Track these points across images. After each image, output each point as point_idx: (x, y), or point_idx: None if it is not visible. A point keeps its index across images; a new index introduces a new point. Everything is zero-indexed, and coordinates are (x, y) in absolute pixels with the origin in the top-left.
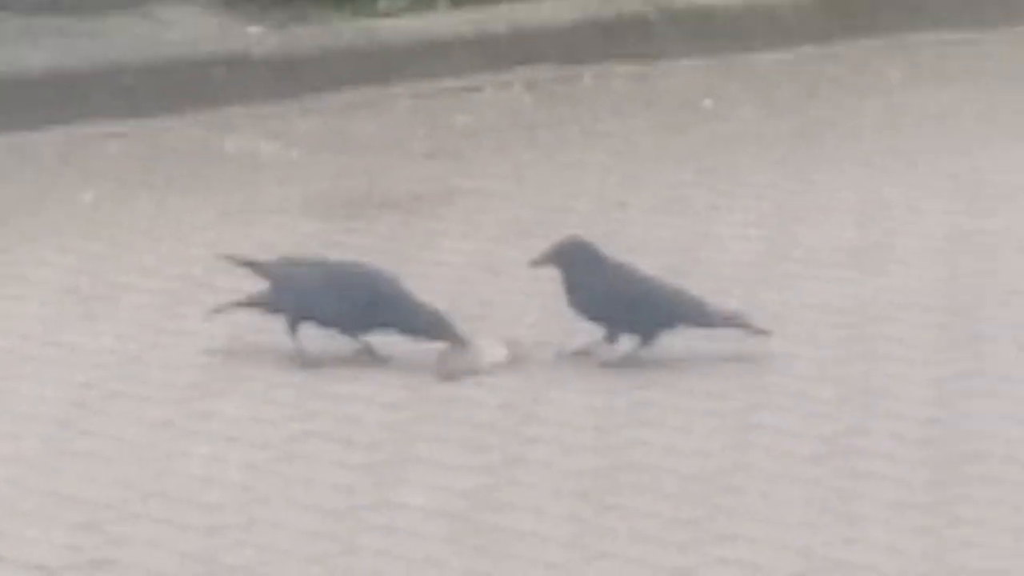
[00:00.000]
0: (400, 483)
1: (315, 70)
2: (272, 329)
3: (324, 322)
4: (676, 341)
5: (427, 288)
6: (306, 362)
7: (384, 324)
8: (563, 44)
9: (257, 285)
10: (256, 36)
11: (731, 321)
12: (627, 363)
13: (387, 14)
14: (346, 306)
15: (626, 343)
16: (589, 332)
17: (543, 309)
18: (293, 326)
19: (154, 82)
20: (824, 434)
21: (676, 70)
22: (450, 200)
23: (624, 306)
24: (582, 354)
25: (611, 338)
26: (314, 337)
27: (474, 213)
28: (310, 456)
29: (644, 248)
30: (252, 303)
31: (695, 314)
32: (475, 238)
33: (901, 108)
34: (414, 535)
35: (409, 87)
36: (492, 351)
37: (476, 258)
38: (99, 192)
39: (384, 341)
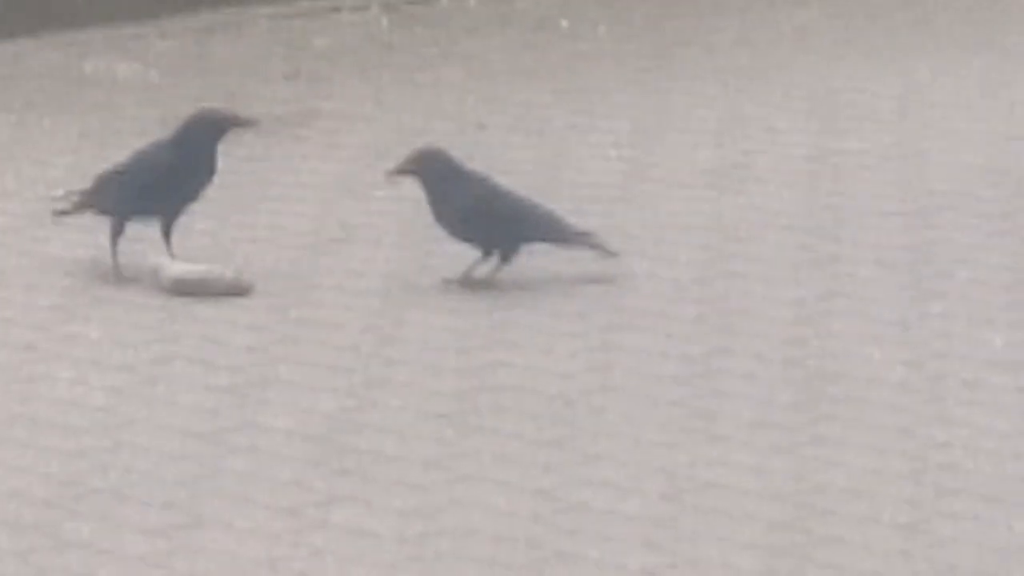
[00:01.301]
0: (263, 405)
1: None
2: (133, 252)
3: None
4: (537, 261)
5: (289, 210)
6: (121, 275)
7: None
8: None
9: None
10: None
11: (585, 240)
12: (487, 283)
13: None
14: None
15: (487, 261)
16: (451, 252)
17: (403, 230)
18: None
19: (11, 4)
20: (686, 354)
21: None
22: (310, 122)
23: (488, 222)
24: (468, 279)
25: (486, 255)
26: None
27: (334, 134)
28: (173, 379)
29: (504, 168)
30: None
31: (551, 230)
32: (335, 159)
33: (757, 27)
34: (278, 457)
35: (267, 9)
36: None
37: (337, 179)
38: None
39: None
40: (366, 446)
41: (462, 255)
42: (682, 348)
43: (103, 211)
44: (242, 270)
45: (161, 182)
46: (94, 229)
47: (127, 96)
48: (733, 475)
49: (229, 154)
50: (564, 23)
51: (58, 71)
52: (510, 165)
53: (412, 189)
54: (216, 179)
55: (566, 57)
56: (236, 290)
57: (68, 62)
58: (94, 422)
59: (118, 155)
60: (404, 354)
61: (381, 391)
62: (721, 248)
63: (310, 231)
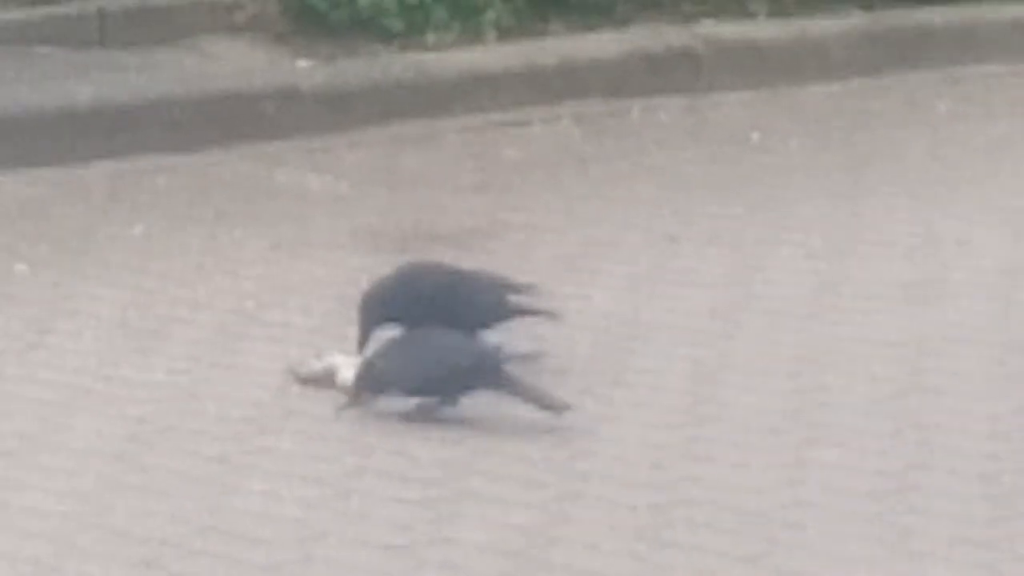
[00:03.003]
0: (456, 519)
1: (364, 104)
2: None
3: None
4: (732, 377)
5: None
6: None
7: None
8: (611, 77)
9: (307, 321)
10: (305, 70)
11: (521, 309)
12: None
13: (435, 48)
14: None
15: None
16: (640, 367)
17: (596, 341)
18: None
19: (203, 115)
20: (881, 470)
21: (724, 103)
22: (499, 234)
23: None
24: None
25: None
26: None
27: (524, 247)
28: (366, 492)
29: (694, 282)
30: None
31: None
32: (525, 272)
33: (949, 141)
34: (471, 572)
35: (457, 121)
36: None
37: None
38: (149, 226)
39: None
40: (560, 561)
41: (654, 358)
42: (878, 463)
43: None
44: None
45: None
46: (284, 340)
47: (317, 208)
48: None
49: None
50: (755, 136)
51: (249, 182)
52: (701, 278)
53: (603, 301)
54: None
55: (757, 170)
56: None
57: (259, 173)
58: (286, 535)
59: (308, 267)
60: (596, 467)
61: (574, 505)
62: (916, 363)
63: (501, 342)
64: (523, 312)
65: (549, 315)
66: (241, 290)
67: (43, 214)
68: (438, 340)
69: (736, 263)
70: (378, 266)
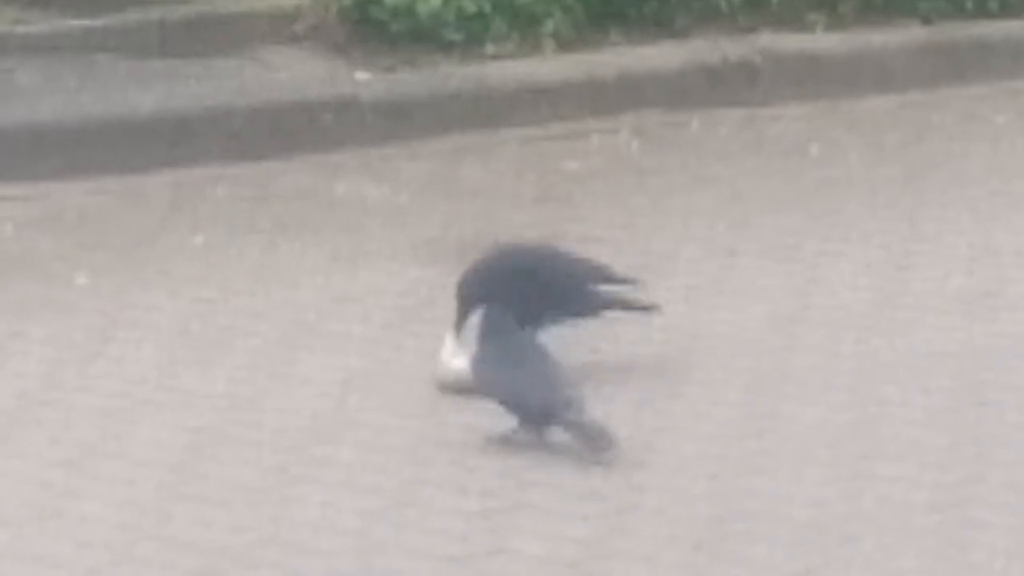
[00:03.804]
0: (514, 531)
1: (423, 115)
2: (384, 373)
3: None
4: (790, 389)
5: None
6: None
7: None
8: (670, 90)
9: (366, 332)
10: (365, 81)
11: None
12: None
13: (494, 59)
14: None
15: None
16: (700, 379)
17: (654, 354)
18: None
19: (263, 126)
20: (939, 482)
21: (783, 115)
22: (559, 245)
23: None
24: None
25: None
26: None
27: None
28: (424, 502)
29: (752, 294)
30: None
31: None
32: None
33: (1008, 154)
34: None
35: (517, 132)
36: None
37: None
38: (209, 236)
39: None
40: (617, 573)
41: (720, 384)
42: (935, 476)
43: None
44: None
45: None
46: (344, 350)
47: (377, 218)
48: None
49: None
50: (814, 149)
51: (308, 193)
52: (760, 291)
53: (661, 313)
54: None
55: (816, 183)
56: None
57: (318, 184)
58: (345, 546)
59: (368, 277)
60: (655, 480)
61: (632, 517)
62: (973, 376)
63: (560, 354)
64: (615, 306)
65: (645, 310)
66: (301, 301)
67: (103, 224)
68: (528, 367)
69: (794, 275)
70: (437, 277)
